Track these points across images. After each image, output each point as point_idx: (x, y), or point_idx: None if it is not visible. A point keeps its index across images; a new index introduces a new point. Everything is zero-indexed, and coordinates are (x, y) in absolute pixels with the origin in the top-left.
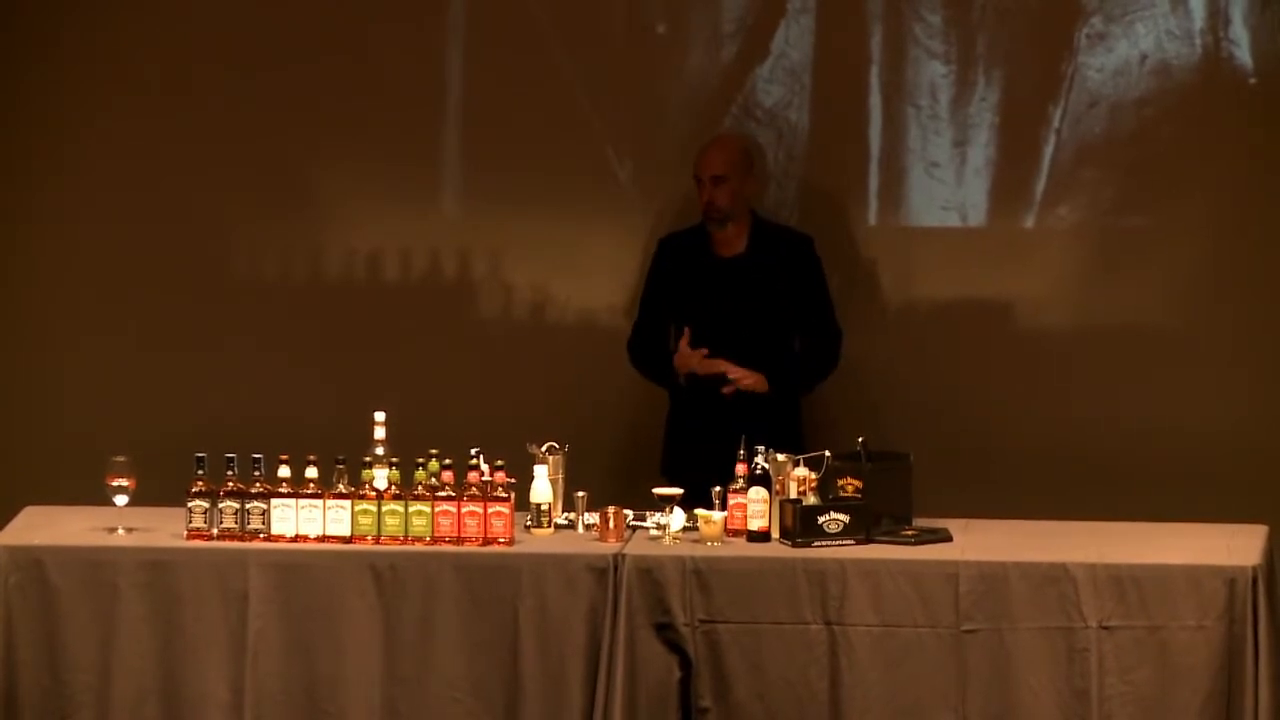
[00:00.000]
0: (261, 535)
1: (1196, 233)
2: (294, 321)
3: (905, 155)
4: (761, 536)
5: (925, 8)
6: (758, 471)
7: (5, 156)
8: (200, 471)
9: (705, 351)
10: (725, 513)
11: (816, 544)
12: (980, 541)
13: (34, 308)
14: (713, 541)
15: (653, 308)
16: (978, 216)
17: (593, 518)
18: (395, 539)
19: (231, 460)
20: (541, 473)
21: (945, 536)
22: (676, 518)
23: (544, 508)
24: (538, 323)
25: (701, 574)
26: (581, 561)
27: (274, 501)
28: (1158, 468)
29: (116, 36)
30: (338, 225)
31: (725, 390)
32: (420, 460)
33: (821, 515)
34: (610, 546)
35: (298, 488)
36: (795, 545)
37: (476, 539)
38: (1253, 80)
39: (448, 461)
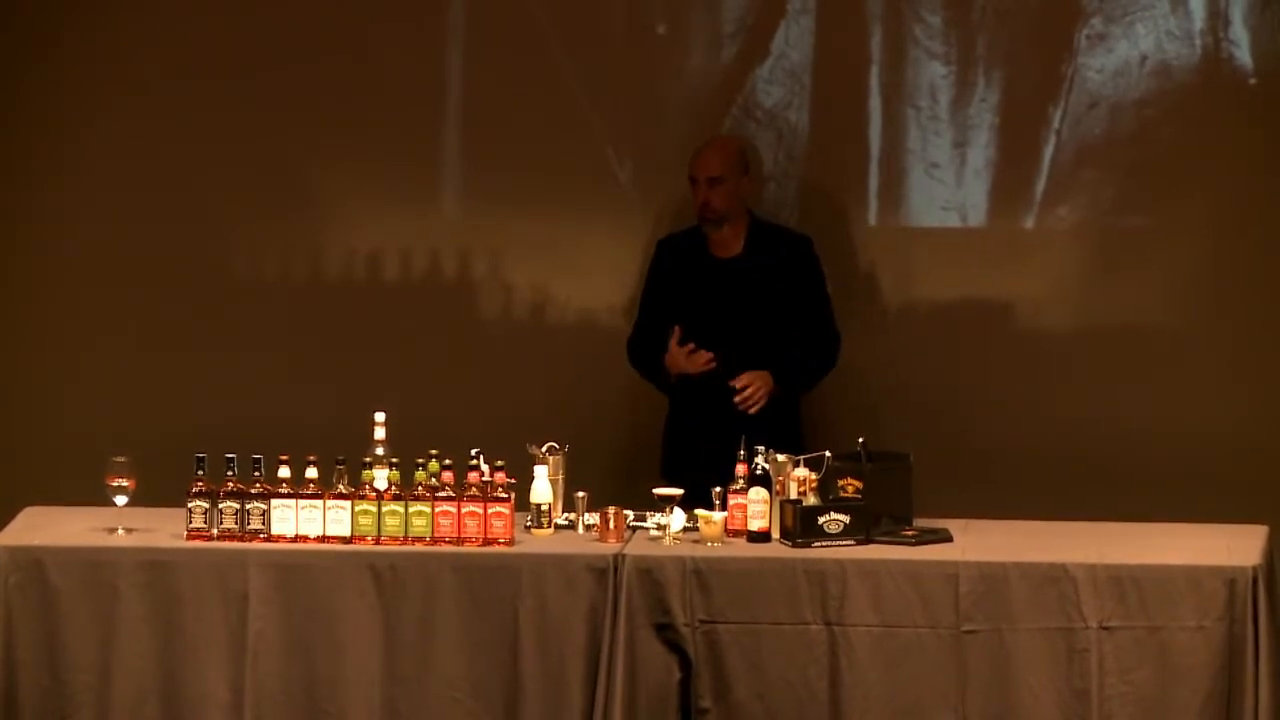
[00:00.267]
0: (261, 535)
1: (1196, 233)
2: (294, 322)
3: (905, 156)
4: (762, 537)
5: (925, 8)
6: (758, 472)
7: (5, 156)
8: (200, 472)
9: (691, 347)
10: (725, 513)
11: (817, 544)
12: (980, 542)
13: (34, 308)
14: (713, 542)
15: (651, 310)
16: (978, 217)
17: (593, 518)
18: (395, 539)
19: (231, 460)
20: (541, 473)
21: (945, 537)
22: (677, 518)
23: (544, 508)
24: (538, 323)
25: (701, 574)
26: (581, 562)
27: (274, 502)
28: (1158, 468)
29: (116, 36)
30: (338, 225)
31: (746, 408)
32: (420, 461)
33: (822, 515)
34: (610, 547)
35: (298, 488)
36: (795, 545)
37: (476, 539)
38: (1253, 81)
39: (448, 462)
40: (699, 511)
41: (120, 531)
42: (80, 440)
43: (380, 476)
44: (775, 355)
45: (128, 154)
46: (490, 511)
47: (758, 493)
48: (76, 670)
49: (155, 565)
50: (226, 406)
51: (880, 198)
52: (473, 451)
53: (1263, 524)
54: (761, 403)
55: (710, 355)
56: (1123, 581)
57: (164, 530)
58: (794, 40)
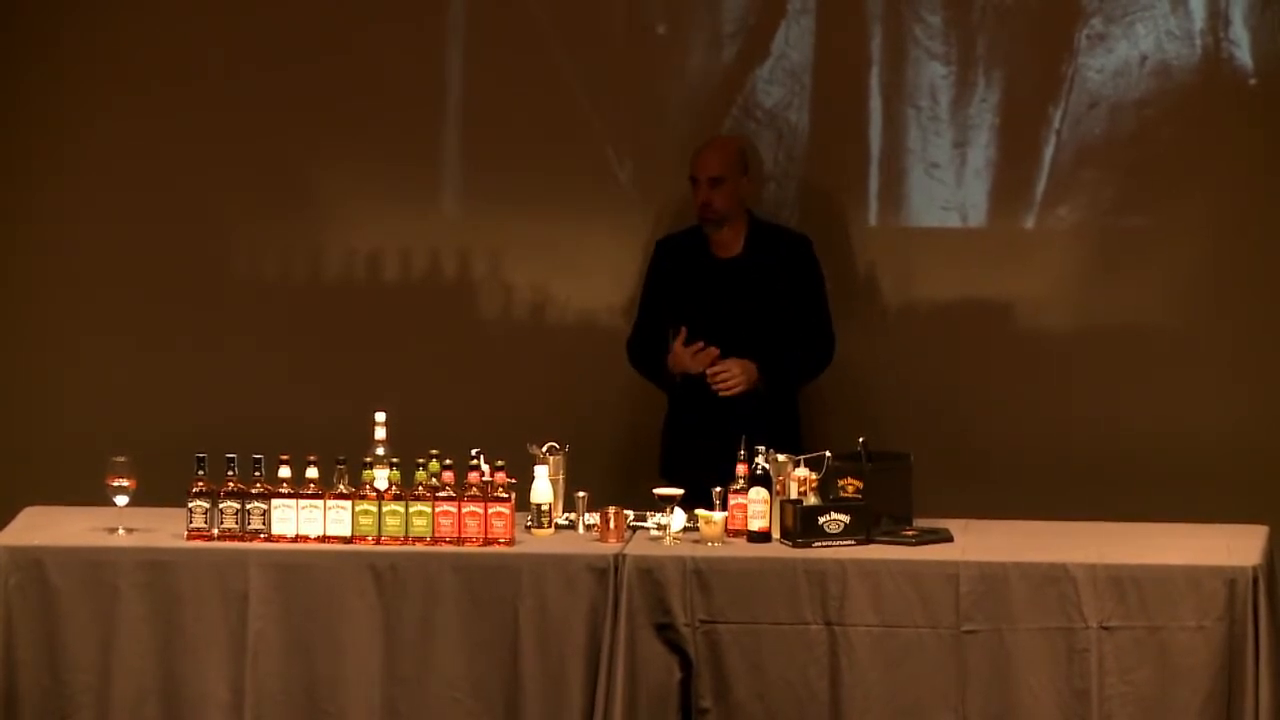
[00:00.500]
0: (262, 535)
1: (1196, 233)
2: (294, 322)
3: (905, 156)
4: (762, 537)
5: (925, 9)
6: (758, 472)
7: (5, 156)
8: (201, 472)
9: (699, 345)
10: (726, 513)
11: (817, 544)
12: (980, 542)
13: (34, 308)
14: (713, 542)
15: (651, 309)
16: (978, 217)
17: (593, 518)
18: (396, 539)
19: (232, 460)
20: (542, 473)
21: (945, 537)
22: (677, 518)
23: (544, 508)
24: (538, 323)
25: (702, 574)
26: (582, 562)
27: (274, 502)
28: (1158, 468)
29: (116, 36)
30: (338, 225)
31: (719, 390)
32: (421, 460)
33: (822, 515)
34: (611, 547)
35: (298, 488)
36: (795, 545)
37: (477, 539)
38: (1253, 81)
39: (448, 462)
40: (699, 511)
41: (120, 531)
42: (80, 440)
43: (381, 476)
44: (769, 353)
45: (128, 154)
46: (491, 511)
47: (758, 493)
48: (76, 670)
49: (155, 565)
50: (227, 406)
51: (880, 198)
52: (473, 451)
53: (1263, 524)
54: (736, 388)
55: (716, 351)
56: (1123, 581)
57: (164, 530)
58: (794, 40)
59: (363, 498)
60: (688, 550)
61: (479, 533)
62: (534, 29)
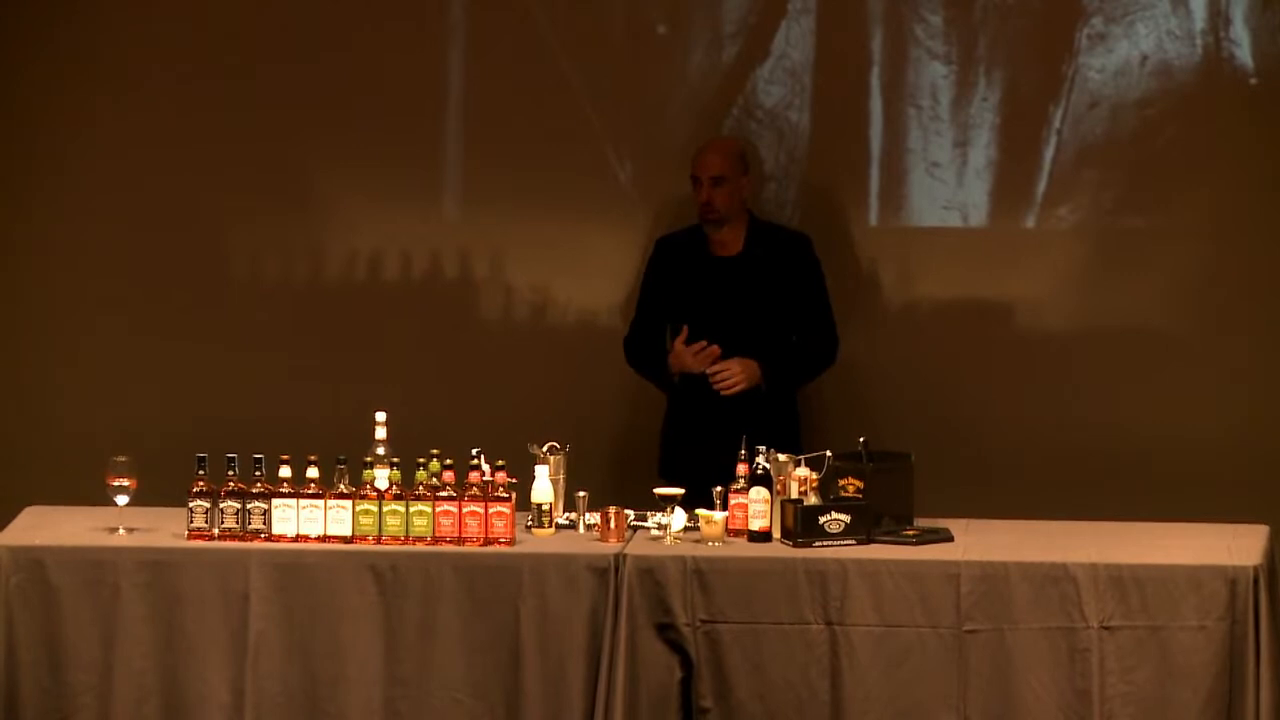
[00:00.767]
0: (263, 535)
1: (1197, 233)
2: (295, 321)
3: (906, 156)
4: (762, 536)
5: (926, 8)
6: (759, 471)
7: (5, 156)
8: (201, 471)
9: (701, 345)
10: (726, 513)
11: (817, 544)
12: (981, 541)
13: (35, 308)
14: (714, 541)
15: (649, 308)
16: (978, 217)
17: (594, 518)
18: (396, 539)
19: (232, 460)
20: (542, 473)
21: (946, 536)
22: (677, 518)
23: (545, 508)
24: (538, 323)
25: (702, 574)
26: (582, 562)
27: (275, 501)
28: (1158, 468)
29: (116, 36)
30: (338, 225)
31: (721, 389)
32: (421, 460)
33: (823, 515)
34: (611, 547)
35: (299, 488)
36: (796, 545)
37: (477, 539)
38: (1253, 81)
39: (449, 462)
40: (700, 511)
41: (121, 531)
42: (81, 440)
43: (381, 476)
44: (771, 352)
45: (128, 154)
46: (491, 511)
47: (758, 492)
48: (77, 670)
49: (156, 565)
50: (227, 406)
51: (881, 197)
52: (474, 451)
53: (1263, 524)
54: (738, 387)
55: (717, 350)
56: (1124, 581)
57: (165, 530)
58: (795, 40)
59: (363, 497)
60: (688, 550)
61: (479, 533)
62: (534, 29)
